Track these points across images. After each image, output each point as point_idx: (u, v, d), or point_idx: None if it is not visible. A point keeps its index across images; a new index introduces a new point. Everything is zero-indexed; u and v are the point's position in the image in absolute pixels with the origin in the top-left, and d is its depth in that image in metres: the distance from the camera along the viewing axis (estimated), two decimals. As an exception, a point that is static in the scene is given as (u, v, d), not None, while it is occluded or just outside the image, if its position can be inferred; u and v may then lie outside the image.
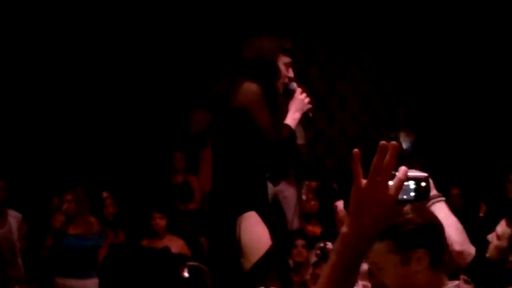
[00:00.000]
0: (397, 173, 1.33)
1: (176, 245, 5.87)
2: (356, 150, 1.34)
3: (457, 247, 2.32)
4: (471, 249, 2.40)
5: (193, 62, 8.00)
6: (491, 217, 5.97)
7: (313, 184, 6.92)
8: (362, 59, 8.24)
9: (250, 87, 3.24)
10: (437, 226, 1.87)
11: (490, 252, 3.14)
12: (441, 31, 7.90)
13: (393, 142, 1.32)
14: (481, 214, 6.03)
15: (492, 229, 5.53)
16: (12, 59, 7.39)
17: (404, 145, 7.57)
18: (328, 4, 7.92)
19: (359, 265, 1.33)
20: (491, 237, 3.18)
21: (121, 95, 7.74)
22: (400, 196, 1.34)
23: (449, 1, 7.70)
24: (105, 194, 6.16)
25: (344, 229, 1.32)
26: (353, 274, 1.32)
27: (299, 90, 3.34)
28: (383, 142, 1.32)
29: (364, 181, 1.32)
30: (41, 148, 7.30)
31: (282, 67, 3.34)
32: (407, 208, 1.78)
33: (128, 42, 7.76)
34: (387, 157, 1.31)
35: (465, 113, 7.64)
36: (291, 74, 3.36)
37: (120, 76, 7.75)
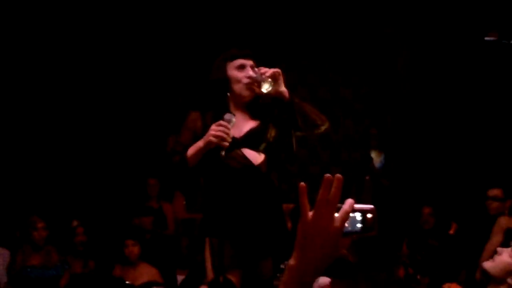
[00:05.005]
0: (343, 205, 1.34)
1: (148, 273, 5.81)
2: (302, 183, 1.35)
3: None
4: None
5: (167, 89, 8.00)
6: (462, 235, 6.03)
7: (290, 206, 6.89)
8: (332, 80, 8.28)
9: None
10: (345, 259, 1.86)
11: (493, 267, 3.06)
12: (409, 52, 7.98)
13: (338, 175, 1.33)
14: (451, 232, 6.08)
15: (462, 246, 5.55)
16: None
17: (376, 165, 7.61)
18: (297, 27, 7.98)
19: None
20: (504, 252, 3.07)
21: (92, 121, 7.70)
22: (346, 228, 1.35)
23: (416, 22, 7.79)
24: (75, 223, 6.09)
25: (291, 261, 1.33)
26: None
27: (223, 120, 3.08)
28: (327, 175, 1.33)
29: (310, 214, 1.33)
30: (12, 175, 7.20)
31: (234, 73, 3.28)
32: None
33: (102, 76, 7.74)
34: (332, 189, 1.32)
35: (436, 133, 7.70)
36: (248, 72, 3.26)
37: (91, 100, 7.71)
